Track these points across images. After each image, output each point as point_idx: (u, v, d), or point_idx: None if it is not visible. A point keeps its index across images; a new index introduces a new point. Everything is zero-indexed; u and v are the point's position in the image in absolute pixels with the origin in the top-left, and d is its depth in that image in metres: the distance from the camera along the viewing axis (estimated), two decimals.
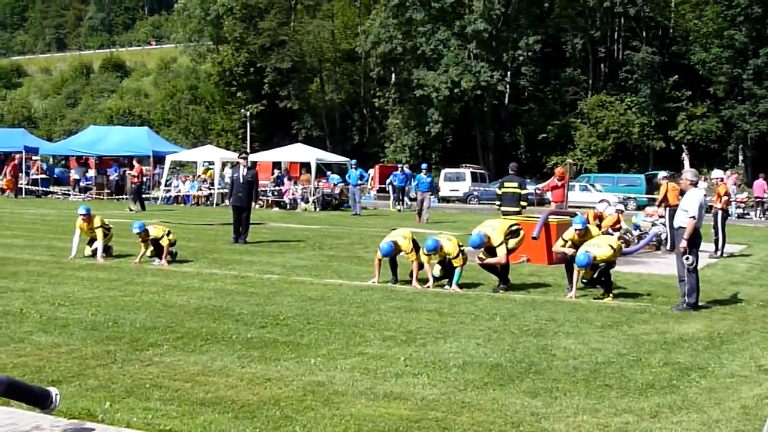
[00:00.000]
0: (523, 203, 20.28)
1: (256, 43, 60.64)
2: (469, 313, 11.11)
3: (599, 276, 12.74)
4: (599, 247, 12.58)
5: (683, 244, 11.52)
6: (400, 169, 34.97)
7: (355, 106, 65.03)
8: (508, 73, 55.43)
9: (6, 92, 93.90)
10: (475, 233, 13.54)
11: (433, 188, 33.03)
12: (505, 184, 20.63)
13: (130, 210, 32.30)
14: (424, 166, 32.41)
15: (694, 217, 11.55)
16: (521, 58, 53.61)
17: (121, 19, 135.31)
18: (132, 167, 35.66)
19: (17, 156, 43.10)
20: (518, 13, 54.50)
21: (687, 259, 11.53)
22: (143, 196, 35.24)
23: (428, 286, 13.42)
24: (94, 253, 16.22)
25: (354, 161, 38.76)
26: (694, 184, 12.19)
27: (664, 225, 20.43)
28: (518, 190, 20.33)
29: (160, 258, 15.86)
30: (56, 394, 6.19)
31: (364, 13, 62.45)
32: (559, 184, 23.22)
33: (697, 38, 52.10)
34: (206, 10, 62.91)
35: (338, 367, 8.11)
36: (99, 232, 15.87)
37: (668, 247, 20.01)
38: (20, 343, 8.96)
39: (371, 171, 37.58)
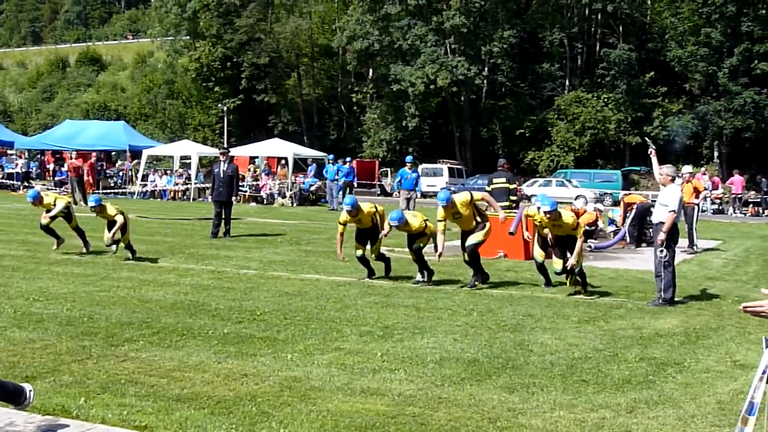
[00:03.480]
0: (512, 197, 20.37)
1: (233, 39, 60.48)
2: (446, 309, 11.11)
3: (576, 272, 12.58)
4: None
5: (661, 237, 11.56)
6: (408, 165, 29.13)
7: (333, 101, 64.96)
8: (486, 67, 55.50)
9: None
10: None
11: (419, 185, 28.45)
12: (494, 180, 20.73)
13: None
14: (409, 159, 29.53)
15: (674, 211, 11.59)
16: (498, 51, 53.67)
17: (97, 12, 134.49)
18: (108, 161, 35.45)
19: None
20: (496, 6, 54.52)
21: (662, 252, 11.57)
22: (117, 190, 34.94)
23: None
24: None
25: (332, 156, 38.68)
26: (673, 180, 12.25)
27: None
28: (507, 185, 20.42)
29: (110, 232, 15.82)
30: (30, 391, 6.12)
31: (341, 9, 62.35)
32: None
33: (673, 35, 52.31)
34: (183, 5, 62.63)
35: (315, 362, 8.08)
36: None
37: (629, 241, 20.37)
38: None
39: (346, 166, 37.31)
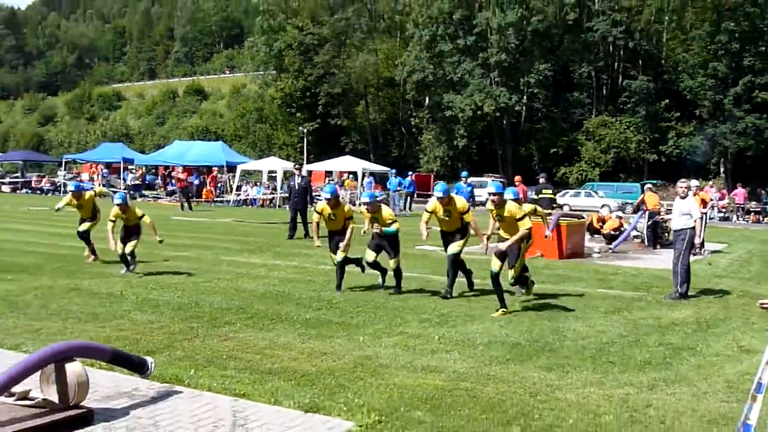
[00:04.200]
0: (555, 205, 20.59)
1: (312, 73, 60.83)
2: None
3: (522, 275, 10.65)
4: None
5: (697, 240, 11.42)
6: (463, 179, 27.12)
7: (394, 124, 64.90)
8: (524, 96, 55.06)
9: (108, 113, 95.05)
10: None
11: (474, 198, 25.75)
12: (543, 191, 20.92)
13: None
14: (464, 173, 28.08)
15: (699, 219, 11.46)
16: (534, 82, 53.39)
17: (201, 52, 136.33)
18: (209, 175, 35.81)
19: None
20: (532, 45, 54.11)
21: (693, 252, 11.48)
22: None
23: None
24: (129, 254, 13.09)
25: (394, 170, 38.69)
26: (689, 191, 12.08)
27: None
28: (552, 195, 20.96)
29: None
30: (151, 362, 6.21)
31: (402, 47, 62.30)
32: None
33: (685, 68, 51.62)
34: (270, 45, 63.18)
35: (383, 344, 8.08)
36: (143, 221, 13.12)
37: (647, 244, 20.04)
38: (120, 319, 9.05)
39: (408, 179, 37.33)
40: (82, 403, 5.45)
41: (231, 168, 43.77)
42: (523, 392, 6.37)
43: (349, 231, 11.59)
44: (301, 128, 58.61)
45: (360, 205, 11.89)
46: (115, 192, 25.28)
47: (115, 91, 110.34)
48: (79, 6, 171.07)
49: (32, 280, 11.67)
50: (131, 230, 13.11)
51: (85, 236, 14.70)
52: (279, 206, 38.49)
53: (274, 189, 40.93)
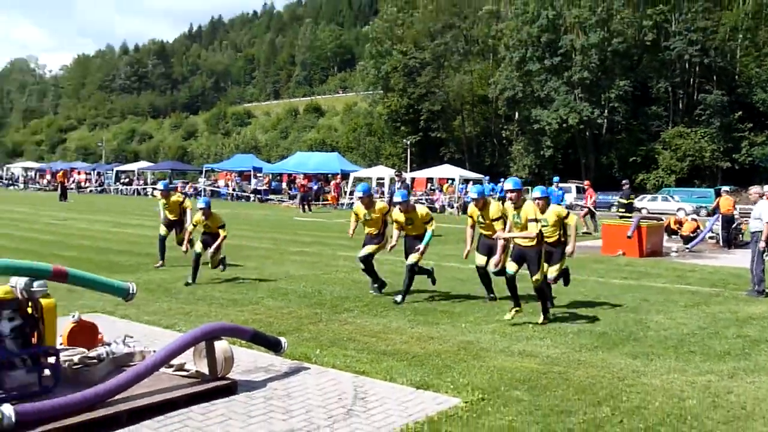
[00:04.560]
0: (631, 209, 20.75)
1: (414, 92, 60.98)
2: (579, 293, 10.81)
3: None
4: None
5: (762, 245, 10.87)
6: (555, 184, 24.97)
7: (487, 136, 64.24)
8: (605, 110, 53.61)
9: (240, 129, 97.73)
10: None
11: (563, 201, 23.89)
12: (631, 196, 21.08)
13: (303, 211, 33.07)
14: (555, 179, 26.26)
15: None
16: (615, 97, 51.96)
17: (318, 75, 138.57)
18: (327, 182, 36.37)
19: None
20: (613, 64, 52.65)
21: (764, 253, 10.93)
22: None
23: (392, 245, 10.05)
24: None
25: (487, 177, 38.37)
26: (761, 196, 11.50)
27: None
28: (629, 200, 21.47)
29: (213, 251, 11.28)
30: (284, 342, 6.37)
31: (494, 67, 61.60)
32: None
33: (757, 82, 49.27)
34: (378, 68, 63.70)
35: (482, 330, 8.04)
36: (222, 232, 11.25)
37: (722, 244, 19.22)
38: (256, 305, 9.30)
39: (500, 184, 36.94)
40: (228, 375, 5.65)
41: (344, 175, 44.33)
42: (611, 377, 6.22)
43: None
44: (405, 140, 58.89)
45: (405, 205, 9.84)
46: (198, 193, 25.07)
47: (246, 110, 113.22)
48: (216, 38, 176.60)
49: (182, 270, 12.10)
50: (213, 237, 11.34)
51: (163, 242, 13.02)
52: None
53: (382, 194, 41.20)
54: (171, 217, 13.15)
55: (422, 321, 8.45)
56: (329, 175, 47.01)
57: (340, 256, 15.21)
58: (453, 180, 41.31)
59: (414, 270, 9.75)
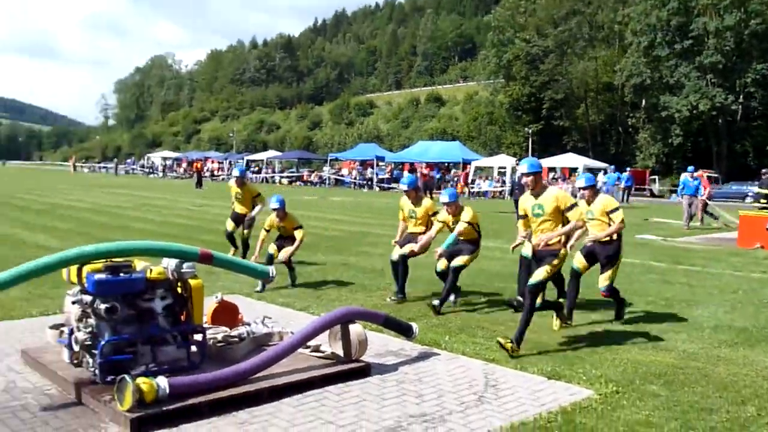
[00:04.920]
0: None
1: (537, 80, 59.79)
2: (714, 287, 10.29)
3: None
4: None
5: None
6: (689, 174, 22.60)
7: (612, 124, 62.13)
8: (740, 95, 50.55)
9: (363, 119, 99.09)
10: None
11: (699, 191, 21.90)
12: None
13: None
14: (690, 168, 23.52)
15: None
16: (751, 82, 48.84)
17: (438, 65, 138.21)
18: (447, 171, 36.32)
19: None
20: (750, 47, 49.47)
21: None
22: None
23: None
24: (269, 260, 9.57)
25: (613, 167, 37.10)
26: None
27: None
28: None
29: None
30: (416, 328, 6.40)
31: (620, 53, 59.39)
32: None
33: None
34: (500, 57, 62.84)
35: (613, 322, 7.79)
36: (298, 234, 9.66)
37: None
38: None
39: (625, 174, 35.65)
40: (361, 358, 5.74)
41: (465, 164, 44.09)
42: (755, 375, 5.88)
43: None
44: (526, 129, 57.92)
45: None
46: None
47: (368, 100, 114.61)
48: (339, 31, 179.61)
49: (311, 256, 12.41)
50: (288, 241, 9.82)
51: (230, 236, 11.78)
52: (510, 195, 38.19)
53: (503, 182, 40.76)
54: (241, 210, 11.69)
55: (550, 312, 8.25)
56: (450, 164, 46.88)
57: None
58: (576, 169, 40.26)
59: (458, 274, 8.23)
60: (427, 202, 8.87)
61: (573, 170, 41.53)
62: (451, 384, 5.47)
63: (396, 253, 8.69)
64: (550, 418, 4.77)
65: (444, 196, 8.46)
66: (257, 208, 11.66)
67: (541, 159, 45.20)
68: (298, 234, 9.56)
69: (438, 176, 42.24)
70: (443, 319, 7.71)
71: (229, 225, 11.80)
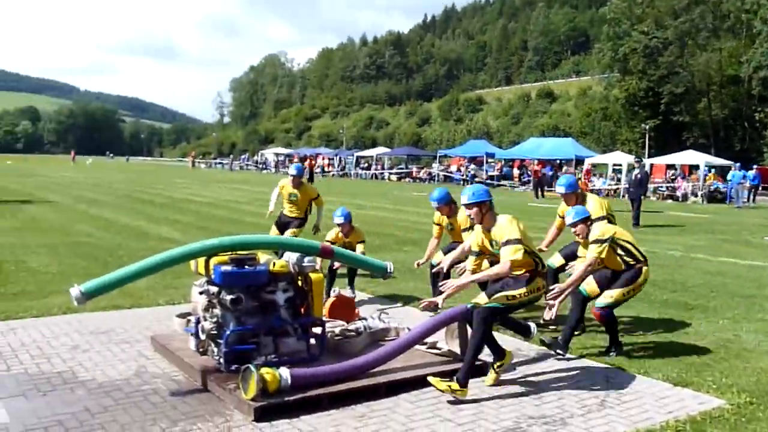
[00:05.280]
0: None
1: (655, 73, 57.49)
2: None
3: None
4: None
5: None
6: None
7: (737, 120, 58.89)
8: None
9: (472, 115, 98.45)
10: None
11: None
12: None
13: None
14: None
15: None
16: None
17: (550, 60, 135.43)
18: (560, 168, 35.55)
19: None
20: None
21: None
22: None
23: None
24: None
25: (738, 164, 35.30)
26: None
27: None
28: None
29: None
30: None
31: (747, 44, 56.26)
32: None
33: None
34: (615, 50, 60.86)
35: (743, 329, 7.38)
36: (359, 248, 8.43)
37: None
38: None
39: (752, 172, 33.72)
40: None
41: (578, 161, 43.02)
42: None
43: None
44: (643, 125, 55.82)
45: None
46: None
47: (478, 96, 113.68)
48: (449, 27, 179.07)
49: (419, 252, 12.42)
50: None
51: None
52: (623, 196, 37.00)
53: (618, 180, 39.50)
54: (292, 213, 9.93)
55: (673, 314, 7.95)
56: (562, 161, 45.86)
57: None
58: (697, 167, 38.50)
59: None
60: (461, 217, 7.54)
61: (694, 168, 39.73)
62: (571, 386, 5.34)
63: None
64: (678, 426, 4.58)
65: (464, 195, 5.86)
66: (321, 214, 10.05)
67: (660, 156, 43.66)
68: (359, 248, 8.37)
69: (550, 173, 41.38)
70: (561, 320, 7.53)
71: (273, 232, 9.78)
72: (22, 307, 7.44)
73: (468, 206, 5.53)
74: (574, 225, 6.44)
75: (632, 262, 6.21)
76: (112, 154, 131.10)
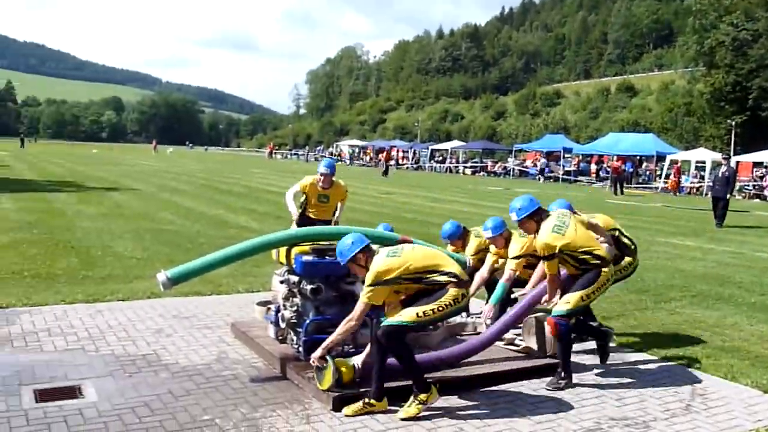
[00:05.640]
0: None
1: (744, 67, 55.23)
2: None
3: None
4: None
5: None
6: None
7: None
8: None
9: (549, 109, 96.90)
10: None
11: None
12: None
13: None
14: None
15: None
16: None
17: (631, 53, 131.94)
18: (640, 165, 34.60)
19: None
20: None
21: None
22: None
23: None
24: None
25: None
26: None
27: None
28: None
29: None
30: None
31: None
32: None
33: None
34: (701, 43, 58.78)
35: None
36: (341, 205, 8.54)
37: None
38: None
39: None
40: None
41: (660, 158, 41.81)
42: None
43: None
44: (729, 121, 53.77)
45: None
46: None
47: (555, 90, 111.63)
48: (527, 19, 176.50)
49: None
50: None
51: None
52: (706, 194, 35.78)
53: (701, 178, 38.19)
54: (319, 216, 8.39)
55: (763, 318, 7.64)
56: (642, 157, 44.68)
57: (659, 242, 14.38)
58: None
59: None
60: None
61: None
62: (654, 389, 5.20)
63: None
64: None
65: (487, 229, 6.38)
66: (342, 208, 8.70)
67: (748, 153, 41.98)
68: (341, 206, 8.47)
69: (630, 170, 40.40)
70: (642, 319, 7.35)
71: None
72: (109, 291, 7.72)
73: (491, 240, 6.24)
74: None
75: (589, 267, 5.24)
76: (191, 144, 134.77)
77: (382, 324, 4.62)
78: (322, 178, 8.18)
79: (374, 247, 5.04)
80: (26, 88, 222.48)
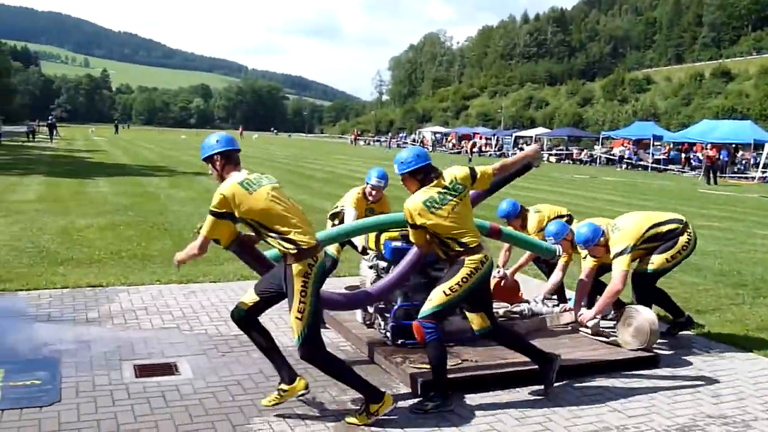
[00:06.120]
0: None
1: None
2: None
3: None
4: None
5: None
6: None
7: None
8: None
9: (638, 95, 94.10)
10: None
11: None
12: None
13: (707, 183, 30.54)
14: None
15: None
16: None
17: (728, 36, 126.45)
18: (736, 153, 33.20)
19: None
20: None
21: None
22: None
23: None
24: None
25: None
26: None
27: None
28: None
29: None
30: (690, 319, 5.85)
31: None
32: None
33: None
34: None
35: None
36: None
37: None
38: (667, 278, 8.83)
39: None
40: (652, 347, 5.46)
41: (757, 146, 40.00)
42: None
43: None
44: None
45: None
46: None
47: (645, 75, 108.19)
48: (615, 2, 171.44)
49: None
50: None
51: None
52: None
53: None
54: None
55: None
56: (739, 145, 42.85)
57: (757, 234, 13.77)
58: None
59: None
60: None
61: None
62: (753, 387, 5.00)
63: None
64: None
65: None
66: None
67: None
68: None
69: (726, 159, 38.82)
70: (739, 315, 7.07)
71: (335, 248, 6.51)
72: (201, 272, 7.97)
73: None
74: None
75: (455, 253, 4.49)
76: (276, 130, 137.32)
77: (419, 316, 4.41)
78: (374, 192, 6.73)
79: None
80: (120, 76, 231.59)
